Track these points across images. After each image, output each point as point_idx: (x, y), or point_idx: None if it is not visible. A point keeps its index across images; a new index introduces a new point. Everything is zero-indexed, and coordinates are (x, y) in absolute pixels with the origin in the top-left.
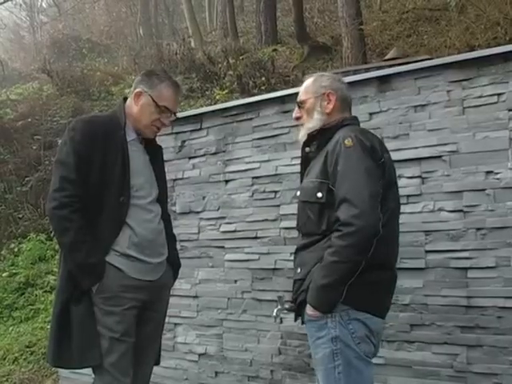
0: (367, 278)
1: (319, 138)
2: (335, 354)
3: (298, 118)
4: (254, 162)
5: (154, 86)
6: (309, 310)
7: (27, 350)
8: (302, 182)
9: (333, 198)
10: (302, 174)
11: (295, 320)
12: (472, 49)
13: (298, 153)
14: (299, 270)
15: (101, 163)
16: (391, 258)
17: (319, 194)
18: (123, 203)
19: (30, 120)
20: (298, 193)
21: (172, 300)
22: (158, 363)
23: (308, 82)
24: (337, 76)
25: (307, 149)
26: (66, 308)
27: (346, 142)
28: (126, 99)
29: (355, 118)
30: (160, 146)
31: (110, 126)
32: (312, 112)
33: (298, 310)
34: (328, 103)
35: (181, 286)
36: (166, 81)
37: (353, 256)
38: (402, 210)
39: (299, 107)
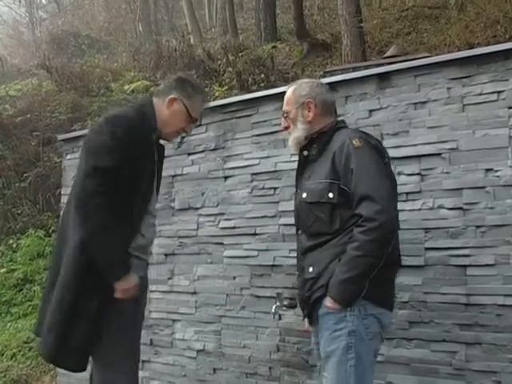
0: (383, 273)
1: (318, 141)
2: (350, 348)
3: (286, 128)
4: (253, 158)
5: (190, 97)
6: (328, 303)
7: (25, 345)
8: (298, 184)
9: (344, 198)
10: (299, 176)
11: (304, 318)
12: (471, 47)
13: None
14: (311, 269)
15: (133, 168)
16: (399, 254)
17: (330, 195)
18: (144, 209)
19: (28, 116)
20: (304, 195)
21: (170, 296)
22: None
23: (288, 92)
24: (316, 82)
25: (305, 152)
26: (75, 305)
27: (354, 142)
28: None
29: (344, 121)
30: (163, 145)
31: (143, 127)
32: (296, 122)
33: (310, 308)
34: (309, 111)
35: (179, 282)
36: (201, 93)
37: (376, 250)
38: (401, 208)
39: (285, 118)
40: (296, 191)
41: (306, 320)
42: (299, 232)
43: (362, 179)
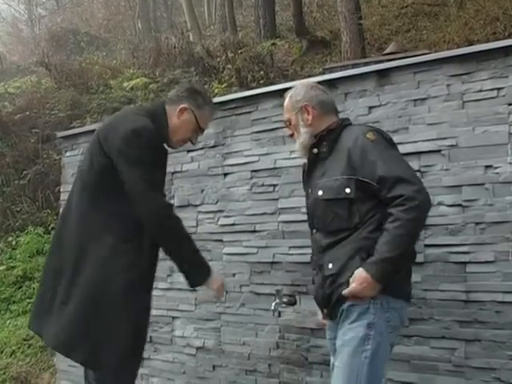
0: (406, 266)
1: (327, 139)
2: (367, 339)
3: (291, 136)
4: (252, 155)
5: (200, 107)
6: (365, 281)
7: (25, 343)
8: (308, 182)
9: (361, 192)
10: (310, 174)
11: (321, 315)
12: (471, 44)
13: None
14: (331, 266)
15: (163, 176)
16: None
17: (348, 190)
18: None
19: (28, 113)
20: (320, 192)
21: (170, 293)
22: None
23: (286, 100)
24: (310, 84)
25: (315, 150)
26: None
27: (368, 136)
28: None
29: (348, 119)
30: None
31: (160, 137)
32: (298, 127)
33: (332, 305)
34: (308, 115)
35: (179, 279)
36: (210, 104)
37: (414, 229)
38: None
39: (288, 126)
40: (307, 190)
41: (319, 313)
42: (314, 231)
43: (391, 165)
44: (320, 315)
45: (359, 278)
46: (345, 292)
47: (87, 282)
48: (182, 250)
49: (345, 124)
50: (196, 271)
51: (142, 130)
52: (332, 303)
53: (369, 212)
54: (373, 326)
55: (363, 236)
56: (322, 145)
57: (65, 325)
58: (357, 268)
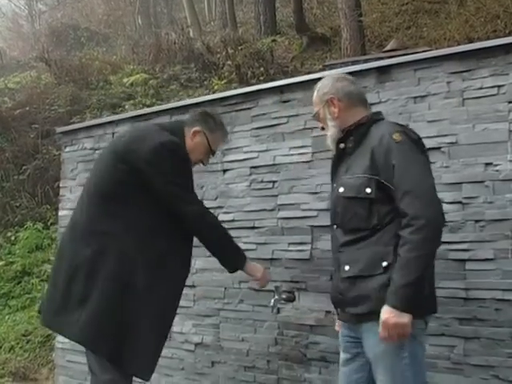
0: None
1: (355, 134)
2: (402, 347)
3: (322, 129)
4: (252, 151)
5: (213, 131)
6: (386, 314)
7: (23, 338)
8: (334, 177)
9: (382, 193)
10: (335, 169)
11: (338, 317)
12: (471, 41)
13: (297, 143)
14: (347, 268)
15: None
16: None
17: (368, 190)
18: None
19: (27, 109)
20: (342, 189)
21: None
22: None
23: (314, 94)
24: (337, 76)
25: (342, 145)
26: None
27: (394, 137)
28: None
29: (381, 112)
30: None
31: (185, 149)
32: (326, 121)
33: (345, 308)
34: (334, 108)
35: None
36: (223, 129)
37: (430, 248)
38: None
39: (318, 120)
40: (332, 185)
41: (335, 312)
42: (334, 227)
43: (405, 174)
44: (336, 319)
45: (384, 318)
46: (381, 339)
47: (108, 277)
48: (220, 240)
49: (375, 119)
50: (233, 257)
51: (170, 142)
52: (349, 306)
53: (388, 214)
54: None
55: (384, 242)
56: (349, 140)
57: (88, 320)
58: (380, 274)
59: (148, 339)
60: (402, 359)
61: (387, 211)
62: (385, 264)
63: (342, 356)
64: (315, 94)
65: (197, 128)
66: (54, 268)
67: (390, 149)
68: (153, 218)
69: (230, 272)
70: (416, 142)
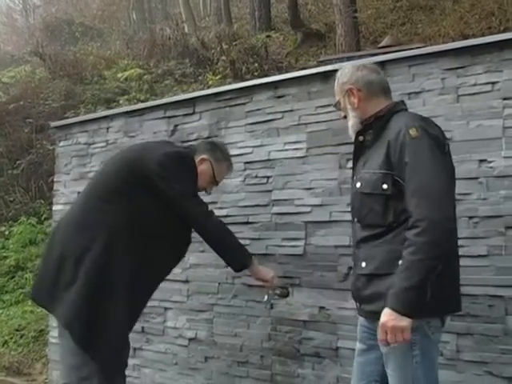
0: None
1: (374, 126)
2: (413, 344)
3: (345, 117)
4: (246, 146)
5: (219, 161)
6: (385, 316)
7: (17, 333)
8: (354, 170)
9: (398, 189)
10: (355, 162)
11: (358, 312)
12: (466, 38)
13: (291, 138)
14: (364, 265)
15: None
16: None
17: (385, 186)
18: None
19: (22, 103)
20: (358, 184)
21: (163, 284)
22: None
23: (335, 83)
24: (357, 65)
25: (361, 138)
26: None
27: (411, 132)
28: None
29: (403, 102)
30: None
31: (192, 158)
32: (347, 110)
33: (361, 304)
34: (353, 98)
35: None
36: (228, 160)
37: (435, 251)
38: None
39: (339, 109)
40: (353, 178)
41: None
42: (355, 220)
43: (416, 173)
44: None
45: (383, 321)
46: (381, 344)
47: (93, 267)
48: (225, 242)
49: (396, 110)
50: (239, 256)
51: (176, 151)
52: (365, 304)
53: (404, 211)
54: (416, 330)
55: (399, 240)
56: (368, 133)
57: (70, 303)
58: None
59: (118, 333)
60: (412, 357)
61: (403, 208)
62: (400, 263)
63: (358, 346)
64: (336, 83)
65: (204, 156)
66: (46, 252)
67: (405, 145)
68: (150, 220)
69: (236, 271)
70: (435, 138)
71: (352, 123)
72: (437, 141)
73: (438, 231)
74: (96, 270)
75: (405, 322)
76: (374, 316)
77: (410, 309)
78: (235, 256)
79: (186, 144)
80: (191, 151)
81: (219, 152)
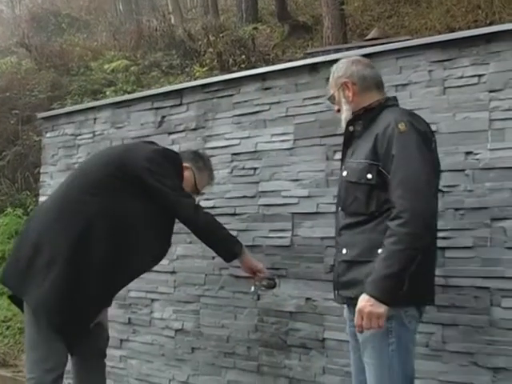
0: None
1: (363, 117)
2: (390, 332)
3: (338, 111)
4: (233, 138)
5: (201, 171)
6: (363, 301)
7: (3, 324)
8: (343, 160)
9: (382, 180)
10: (344, 152)
11: (335, 299)
12: (452, 31)
13: (278, 130)
14: (345, 251)
15: None
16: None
17: (369, 176)
18: None
19: (7, 94)
20: (345, 173)
21: (149, 275)
22: None
23: (330, 76)
24: (352, 59)
25: (351, 128)
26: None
27: (399, 126)
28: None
29: (395, 98)
30: None
31: (178, 155)
32: (341, 104)
33: (339, 290)
34: (348, 91)
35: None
36: (210, 171)
37: (416, 243)
38: None
39: (333, 103)
40: (341, 168)
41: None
42: (339, 209)
43: (401, 167)
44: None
45: (360, 306)
46: (357, 330)
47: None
48: (216, 235)
49: (387, 104)
50: (231, 248)
51: (163, 150)
52: (342, 289)
53: (387, 202)
54: (392, 319)
55: (380, 229)
56: (358, 123)
57: (44, 289)
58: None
59: (87, 313)
60: (388, 345)
61: (386, 199)
62: (380, 252)
63: (350, 341)
64: (330, 77)
65: (187, 164)
66: (20, 238)
67: (393, 138)
68: (133, 212)
69: (228, 262)
70: (423, 134)
71: (345, 116)
72: (424, 136)
73: (420, 223)
74: (73, 259)
75: (381, 308)
76: (351, 302)
77: (388, 296)
78: (227, 248)
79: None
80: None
81: (202, 162)
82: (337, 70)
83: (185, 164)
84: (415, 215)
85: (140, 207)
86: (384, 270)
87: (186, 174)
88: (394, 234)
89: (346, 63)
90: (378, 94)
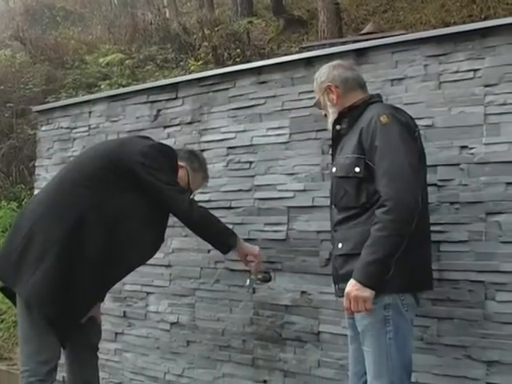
0: (414, 250)
1: (349, 115)
2: (387, 321)
3: (325, 116)
4: (229, 132)
5: (195, 171)
6: (349, 286)
7: None
8: (333, 158)
9: (369, 172)
10: (334, 151)
11: (336, 293)
12: (447, 26)
13: (274, 124)
14: (340, 246)
15: None
16: (429, 228)
17: (357, 169)
18: None
19: (2, 87)
20: (334, 169)
21: (145, 269)
22: None
23: (314, 82)
24: (333, 63)
25: (338, 126)
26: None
27: (381, 118)
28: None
29: (379, 95)
30: None
31: (173, 150)
32: (327, 107)
33: (338, 283)
34: (332, 95)
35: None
36: (205, 172)
37: (400, 229)
38: None
39: (319, 108)
40: (331, 165)
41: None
42: (333, 206)
43: (385, 157)
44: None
45: (347, 290)
46: (346, 312)
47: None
48: (212, 229)
49: (371, 101)
50: (226, 240)
51: (159, 144)
52: (341, 283)
53: (376, 193)
54: (389, 307)
55: (373, 221)
56: (343, 121)
57: (36, 280)
58: None
59: (79, 305)
60: (386, 333)
61: (375, 190)
62: (368, 238)
63: (348, 333)
64: (314, 83)
65: (182, 163)
66: (13, 229)
67: (376, 131)
68: (126, 205)
69: (224, 253)
70: (405, 124)
71: (331, 119)
72: (407, 127)
73: (404, 210)
74: (66, 250)
75: (367, 292)
76: None
77: (372, 281)
78: (222, 240)
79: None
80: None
81: (197, 162)
82: (319, 76)
83: (180, 163)
84: (399, 203)
85: (133, 201)
86: (369, 256)
87: (180, 173)
88: (378, 221)
89: (327, 68)
90: (361, 93)
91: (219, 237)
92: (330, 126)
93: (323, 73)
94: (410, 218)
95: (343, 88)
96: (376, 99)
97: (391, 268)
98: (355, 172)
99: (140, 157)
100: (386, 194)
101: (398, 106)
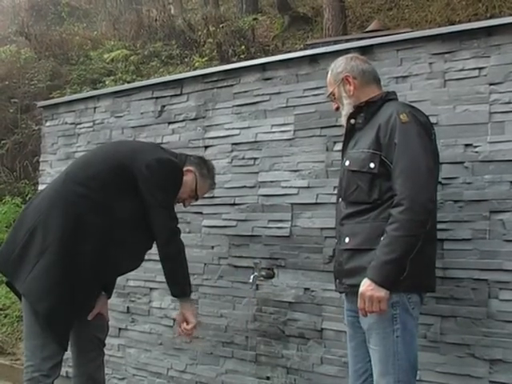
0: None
1: (365, 110)
2: (394, 319)
3: (337, 109)
4: (233, 128)
5: (204, 177)
6: (364, 286)
7: (1, 312)
8: (344, 152)
9: (384, 169)
10: (346, 144)
11: (336, 288)
12: (452, 24)
13: (278, 120)
14: (347, 240)
15: None
16: (436, 229)
17: (372, 165)
18: None
19: (7, 83)
20: (347, 162)
21: (148, 265)
22: None
23: (328, 75)
24: (350, 56)
25: (352, 120)
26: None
27: (401, 116)
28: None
29: (394, 92)
30: None
31: (181, 170)
32: (341, 99)
33: (342, 279)
34: (349, 85)
35: (155, 250)
36: (212, 179)
37: (416, 230)
38: None
39: (332, 100)
40: (342, 159)
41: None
42: (339, 199)
43: (403, 156)
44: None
45: (362, 290)
46: (361, 314)
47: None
48: (178, 267)
49: (388, 98)
50: (183, 288)
51: (167, 161)
52: (345, 277)
53: (389, 190)
54: (397, 305)
55: (383, 217)
56: (359, 116)
57: (36, 276)
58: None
59: (77, 304)
60: (393, 331)
61: (388, 187)
62: (382, 238)
63: (348, 331)
64: (329, 74)
65: (191, 168)
66: (17, 223)
67: (395, 128)
68: (125, 209)
69: (174, 296)
70: (423, 124)
71: (346, 111)
72: (425, 127)
73: (420, 210)
74: (63, 249)
75: (382, 292)
76: (354, 289)
77: (388, 281)
78: (182, 286)
79: (176, 150)
80: (181, 161)
81: (206, 169)
82: (336, 67)
83: (189, 167)
84: (416, 203)
85: (131, 206)
86: (385, 256)
87: (189, 177)
88: (395, 221)
89: (344, 59)
90: (377, 88)
91: (181, 280)
92: (343, 119)
93: (340, 63)
94: (425, 219)
95: (360, 79)
96: (392, 96)
97: (406, 268)
98: (370, 167)
99: (145, 169)
100: (403, 194)
101: None
